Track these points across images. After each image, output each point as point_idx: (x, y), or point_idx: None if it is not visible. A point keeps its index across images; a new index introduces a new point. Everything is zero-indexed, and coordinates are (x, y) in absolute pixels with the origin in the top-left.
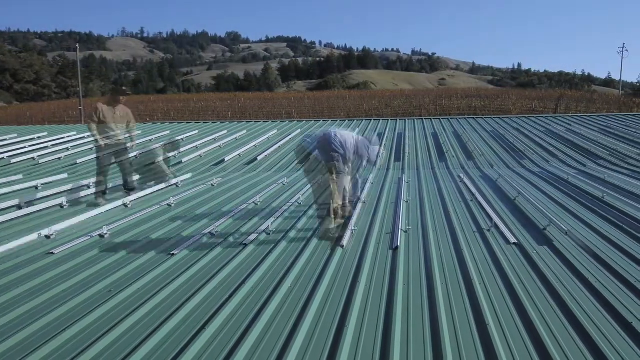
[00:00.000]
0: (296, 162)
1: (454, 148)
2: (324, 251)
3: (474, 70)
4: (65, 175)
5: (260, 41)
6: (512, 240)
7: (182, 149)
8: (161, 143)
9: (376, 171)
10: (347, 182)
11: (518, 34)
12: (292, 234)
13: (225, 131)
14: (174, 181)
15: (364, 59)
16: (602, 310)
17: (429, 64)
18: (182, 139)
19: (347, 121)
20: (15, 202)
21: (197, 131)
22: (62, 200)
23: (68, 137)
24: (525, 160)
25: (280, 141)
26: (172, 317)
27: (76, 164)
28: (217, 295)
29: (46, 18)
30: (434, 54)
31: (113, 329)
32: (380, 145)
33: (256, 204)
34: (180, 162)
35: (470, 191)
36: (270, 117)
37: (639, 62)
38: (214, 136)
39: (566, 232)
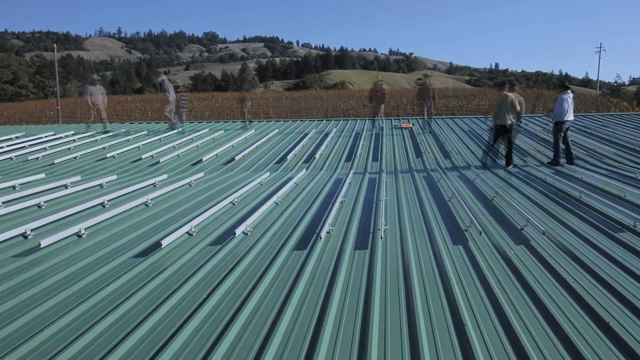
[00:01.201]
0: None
1: (431, 148)
2: (302, 251)
3: (451, 70)
4: (42, 175)
5: (238, 41)
6: (490, 239)
7: (159, 149)
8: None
9: (354, 171)
10: None
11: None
12: (269, 233)
13: (204, 131)
14: (151, 181)
15: (342, 59)
16: (580, 310)
17: (406, 63)
18: (159, 139)
19: (324, 121)
20: None
21: (174, 131)
22: (40, 200)
23: (45, 137)
24: (503, 160)
25: (257, 141)
26: (149, 317)
27: (53, 164)
28: (194, 295)
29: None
30: (411, 53)
31: (90, 329)
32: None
33: (233, 204)
34: (158, 162)
35: (448, 191)
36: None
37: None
38: (191, 136)
39: (543, 232)
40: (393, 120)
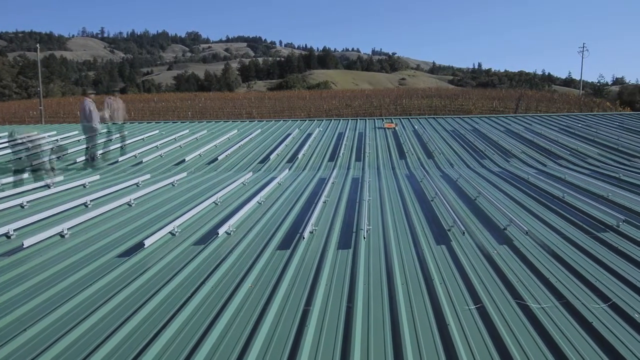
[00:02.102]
0: None
1: (414, 148)
2: (285, 250)
3: (434, 70)
4: (25, 175)
5: (221, 41)
6: (474, 239)
7: (142, 149)
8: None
9: (337, 171)
10: None
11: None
12: (252, 233)
13: (187, 131)
14: (134, 181)
15: (324, 59)
16: (563, 310)
17: (389, 63)
18: (142, 138)
19: (307, 121)
20: None
21: (157, 131)
22: (23, 200)
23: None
24: (486, 160)
25: (240, 141)
26: (132, 317)
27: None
28: (177, 295)
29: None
30: (394, 53)
31: (74, 328)
32: (341, 146)
33: (216, 204)
34: (141, 162)
35: (431, 191)
36: (230, 117)
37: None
38: (174, 136)
39: (526, 232)
40: (376, 120)
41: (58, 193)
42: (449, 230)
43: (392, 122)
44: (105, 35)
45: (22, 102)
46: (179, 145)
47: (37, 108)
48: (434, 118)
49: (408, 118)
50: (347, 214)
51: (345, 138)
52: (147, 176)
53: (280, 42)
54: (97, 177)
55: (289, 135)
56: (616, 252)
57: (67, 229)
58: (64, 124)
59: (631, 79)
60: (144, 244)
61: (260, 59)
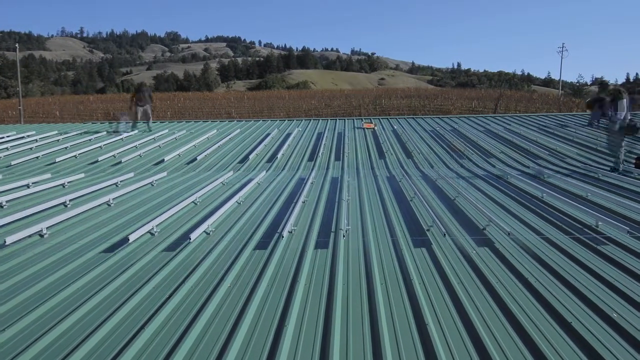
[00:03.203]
0: None
1: (393, 148)
2: (264, 250)
3: (414, 70)
4: (0, 177)
5: (200, 41)
6: (453, 239)
7: (122, 149)
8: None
9: (316, 171)
10: None
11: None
12: (231, 233)
13: (166, 131)
14: (113, 180)
15: (304, 59)
16: (542, 310)
17: (369, 63)
18: (121, 138)
19: (286, 121)
20: None
21: (136, 131)
22: (2, 200)
23: (7, 137)
24: (465, 160)
25: (219, 141)
26: (111, 317)
27: (11, 165)
28: (156, 296)
29: None
30: (373, 53)
31: (52, 329)
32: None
33: (196, 204)
34: (120, 162)
35: (410, 191)
36: (210, 116)
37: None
38: (153, 136)
39: (508, 233)
40: (355, 120)
41: (37, 193)
42: (428, 230)
43: (371, 123)
44: (85, 35)
45: (1, 102)
46: (158, 145)
47: (16, 108)
48: (413, 118)
49: (387, 118)
50: (326, 214)
51: (324, 138)
52: (126, 176)
53: (260, 42)
54: (76, 177)
55: (268, 135)
56: (595, 252)
57: (46, 228)
58: (43, 123)
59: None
60: (124, 244)
61: (239, 59)
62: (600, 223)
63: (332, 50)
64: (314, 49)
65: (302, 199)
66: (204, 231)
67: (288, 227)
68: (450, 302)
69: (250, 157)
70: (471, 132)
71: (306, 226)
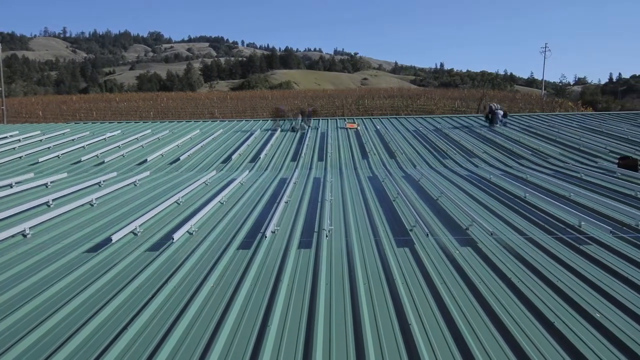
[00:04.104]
0: None
1: (376, 148)
2: (247, 250)
3: (397, 70)
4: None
5: (183, 41)
6: (435, 239)
7: (105, 149)
8: None
9: (299, 171)
10: None
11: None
12: (214, 233)
13: (149, 131)
14: (96, 180)
15: (287, 59)
16: (525, 310)
17: (352, 63)
18: (104, 138)
19: (269, 120)
20: None
21: (119, 131)
22: None
23: None
24: (448, 160)
25: (202, 141)
26: (94, 317)
27: None
28: (139, 295)
29: None
30: (356, 53)
31: (36, 328)
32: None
33: (179, 204)
34: (103, 162)
35: (393, 191)
36: (192, 117)
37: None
38: (136, 136)
39: (491, 233)
40: (338, 120)
41: (20, 193)
42: (411, 230)
43: (354, 122)
44: (68, 35)
45: None
46: (141, 145)
47: None
48: (396, 118)
49: (370, 118)
50: (309, 214)
51: (307, 138)
52: (109, 176)
53: (243, 42)
54: (59, 176)
55: (251, 135)
56: (577, 251)
57: (29, 228)
58: (26, 123)
59: (593, 79)
60: (107, 244)
61: (222, 59)
62: (583, 223)
63: (315, 50)
64: (297, 49)
65: (285, 199)
66: (187, 231)
67: (271, 227)
68: (433, 302)
69: (233, 157)
70: (454, 132)
71: (289, 226)
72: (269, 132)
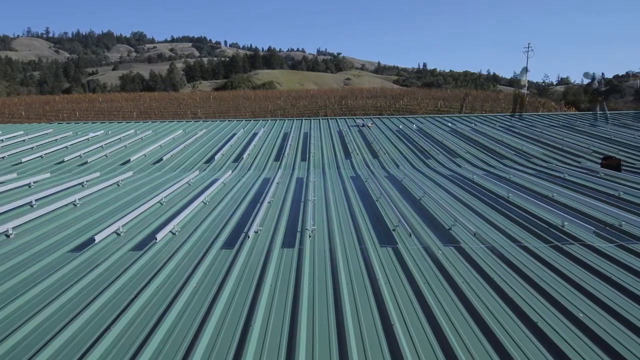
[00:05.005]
0: None
1: (359, 147)
2: (230, 250)
3: (379, 70)
4: None
5: (166, 41)
6: (419, 239)
7: (88, 149)
8: None
9: (282, 171)
10: None
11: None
12: (197, 233)
13: (132, 131)
14: (79, 180)
15: (270, 59)
16: (508, 310)
17: (334, 63)
18: (87, 138)
19: (252, 121)
20: None
21: (102, 131)
22: None
23: None
24: (431, 160)
25: (185, 141)
26: (78, 317)
27: None
28: (122, 295)
29: None
30: (339, 53)
31: (19, 328)
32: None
33: (162, 204)
34: (86, 162)
35: (376, 191)
36: (175, 117)
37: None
38: (119, 136)
39: (474, 233)
40: (321, 120)
41: (3, 193)
42: (394, 230)
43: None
44: (51, 35)
45: None
46: (124, 146)
47: None
48: (379, 118)
49: (353, 118)
50: (292, 214)
51: (290, 138)
52: (92, 176)
53: (225, 42)
54: (42, 176)
55: (234, 135)
56: (561, 251)
57: (12, 228)
58: (9, 124)
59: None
60: (90, 244)
61: (205, 59)
62: (566, 223)
63: (298, 50)
64: (280, 49)
65: (268, 199)
66: (170, 231)
67: (254, 227)
68: (416, 302)
69: (216, 157)
70: (437, 132)
71: (272, 226)
72: (252, 132)
